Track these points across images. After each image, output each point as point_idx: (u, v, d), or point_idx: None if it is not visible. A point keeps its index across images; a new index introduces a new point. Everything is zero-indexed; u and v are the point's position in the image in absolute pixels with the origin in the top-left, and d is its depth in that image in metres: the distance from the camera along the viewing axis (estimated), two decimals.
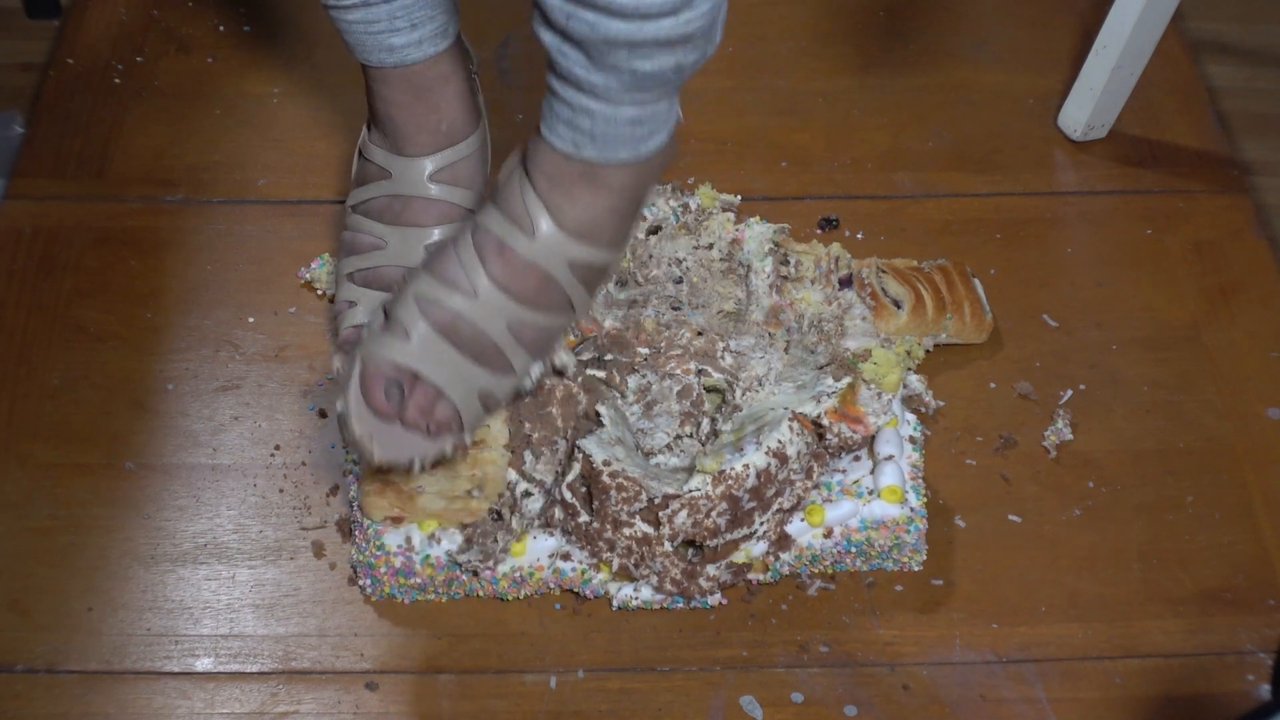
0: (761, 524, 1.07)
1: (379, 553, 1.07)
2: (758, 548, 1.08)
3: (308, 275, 1.28)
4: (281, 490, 1.16)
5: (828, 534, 1.09)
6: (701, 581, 1.07)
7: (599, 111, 0.96)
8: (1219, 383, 1.23)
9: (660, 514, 1.04)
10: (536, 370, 1.06)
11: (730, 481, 1.05)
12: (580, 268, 1.02)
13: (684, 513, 1.04)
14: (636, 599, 1.08)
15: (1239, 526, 1.15)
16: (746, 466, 1.05)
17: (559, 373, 1.09)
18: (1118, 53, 1.33)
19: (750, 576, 1.09)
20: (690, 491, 1.04)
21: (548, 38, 0.95)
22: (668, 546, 1.06)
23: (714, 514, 1.05)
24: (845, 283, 1.21)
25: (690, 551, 1.08)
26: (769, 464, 1.06)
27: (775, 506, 1.07)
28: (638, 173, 1.00)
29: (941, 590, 1.11)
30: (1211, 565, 1.13)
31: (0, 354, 1.22)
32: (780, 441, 1.06)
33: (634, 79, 0.94)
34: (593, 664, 1.07)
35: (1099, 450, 1.19)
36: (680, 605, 1.09)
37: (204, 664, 1.07)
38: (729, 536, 1.06)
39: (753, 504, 1.06)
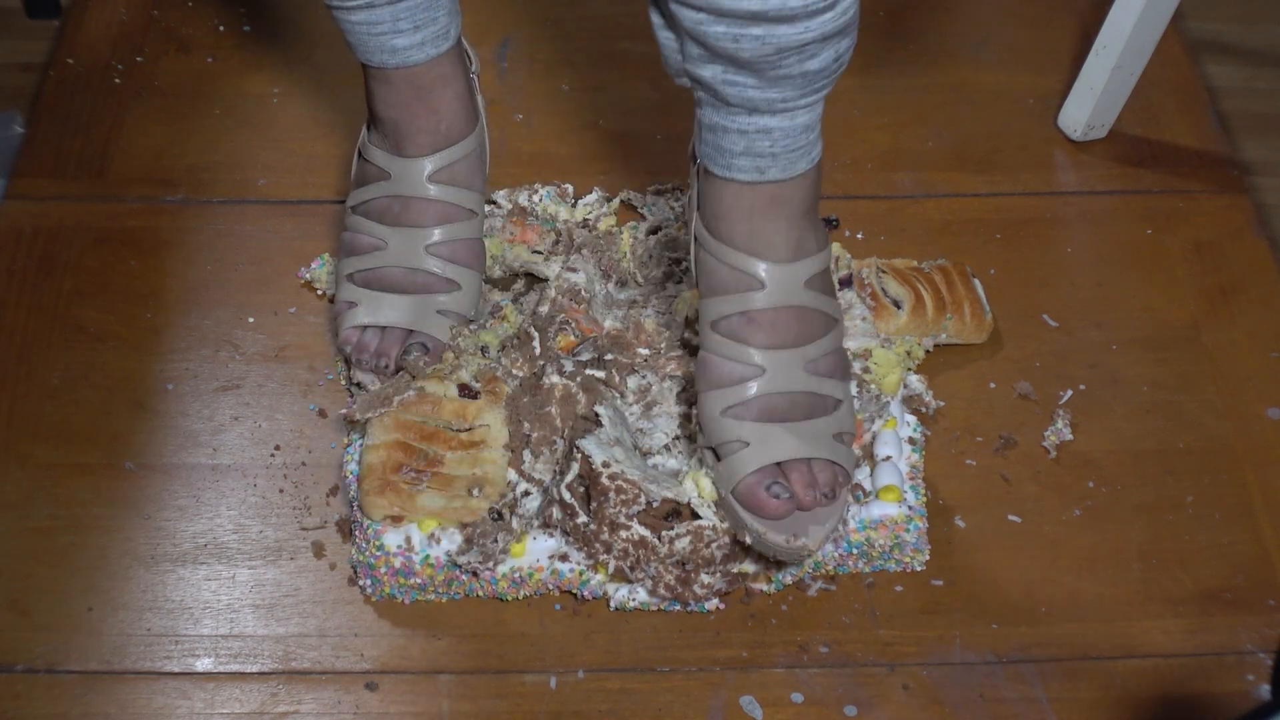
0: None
1: (379, 553, 1.07)
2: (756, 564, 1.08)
3: (308, 275, 1.28)
4: (281, 490, 1.16)
5: None
6: (696, 589, 1.07)
7: (777, 127, 0.98)
8: (1219, 383, 1.23)
9: (663, 534, 1.04)
10: (853, 387, 1.09)
11: None
12: (814, 281, 1.04)
13: (687, 539, 1.04)
14: (634, 600, 1.08)
15: (1239, 526, 1.15)
16: None
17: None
18: (1118, 53, 1.33)
19: (754, 587, 1.09)
20: (699, 522, 1.04)
21: (710, 72, 0.96)
22: (662, 551, 1.05)
23: (714, 546, 1.05)
24: (845, 283, 1.21)
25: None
26: None
27: None
28: (812, 180, 1.02)
29: (941, 590, 1.11)
30: (1211, 565, 1.13)
31: (0, 354, 1.22)
32: None
33: (805, 80, 0.96)
34: (593, 664, 1.07)
35: (1099, 450, 1.19)
36: (678, 608, 1.09)
37: (204, 664, 1.07)
38: (722, 569, 1.06)
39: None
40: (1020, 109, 1.43)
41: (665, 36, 0.99)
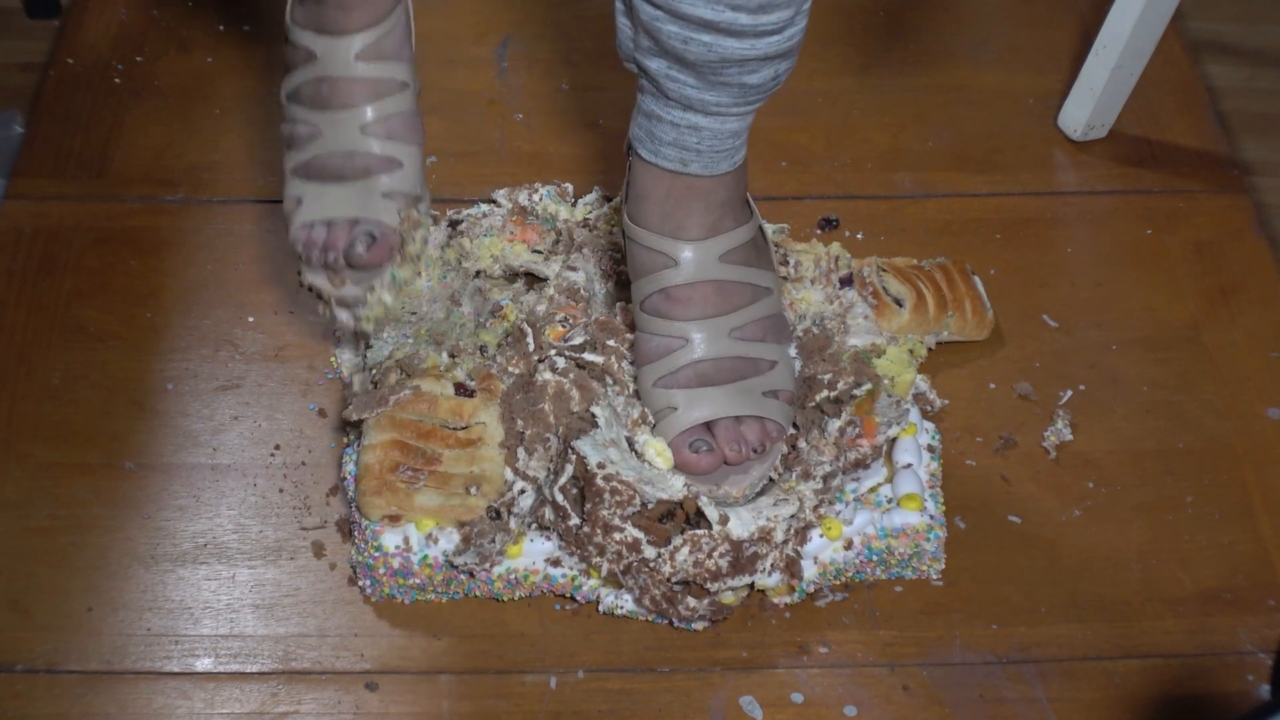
0: (768, 566, 1.06)
1: (377, 554, 1.07)
2: (772, 579, 1.07)
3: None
4: (281, 490, 1.16)
5: (848, 545, 1.09)
6: (681, 609, 1.06)
7: (707, 127, 1.02)
8: (1219, 383, 1.23)
9: (661, 550, 1.04)
10: (791, 350, 1.12)
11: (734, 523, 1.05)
12: (732, 255, 1.08)
13: (685, 549, 1.04)
14: (622, 608, 1.08)
15: (1239, 526, 1.15)
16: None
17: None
18: (1118, 53, 1.33)
19: (776, 600, 1.09)
20: (696, 531, 1.04)
21: (656, 65, 1.01)
22: (650, 554, 1.04)
23: (716, 554, 1.04)
24: (846, 282, 1.21)
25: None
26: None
27: (783, 540, 1.06)
28: (733, 179, 1.07)
29: (941, 590, 1.11)
30: (1211, 565, 1.13)
31: (0, 354, 1.22)
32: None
33: (742, 91, 1.00)
34: (593, 664, 1.07)
35: (1099, 450, 1.19)
36: (664, 622, 1.09)
37: (204, 664, 1.07)
38: (730, 583, 1.05)
39: (754, 549, 1.05)
40: (1020, 109, 1.43)
41: (623, 23, 1.03)
